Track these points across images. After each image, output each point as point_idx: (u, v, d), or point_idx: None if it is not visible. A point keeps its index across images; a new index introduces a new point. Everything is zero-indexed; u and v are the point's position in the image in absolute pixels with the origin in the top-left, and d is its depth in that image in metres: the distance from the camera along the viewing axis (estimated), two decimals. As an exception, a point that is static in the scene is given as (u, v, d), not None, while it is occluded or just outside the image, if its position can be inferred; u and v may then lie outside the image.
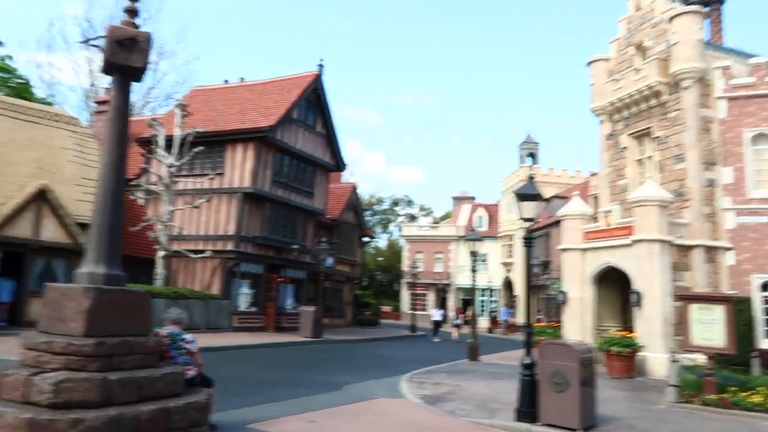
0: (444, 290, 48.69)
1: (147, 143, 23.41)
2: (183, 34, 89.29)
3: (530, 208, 9.21)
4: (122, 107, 6.31)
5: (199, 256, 20.46)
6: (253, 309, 22.94)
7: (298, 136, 23.71)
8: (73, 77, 62.70)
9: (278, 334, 22.14)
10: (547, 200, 31.54)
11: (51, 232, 17.49)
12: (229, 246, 21.54)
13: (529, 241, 9.28)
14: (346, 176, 36.51)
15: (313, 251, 25.26)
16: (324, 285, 28.12)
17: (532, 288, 24.50)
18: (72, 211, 17.87)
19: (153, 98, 39.46)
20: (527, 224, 9.17)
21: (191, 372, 6.52)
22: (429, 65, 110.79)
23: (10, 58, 41.06)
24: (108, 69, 6.31)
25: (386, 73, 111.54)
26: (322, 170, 25.69)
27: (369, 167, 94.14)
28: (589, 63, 20.92)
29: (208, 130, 21.38)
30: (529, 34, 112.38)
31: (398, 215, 68.22)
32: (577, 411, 7.84)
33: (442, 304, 46.28)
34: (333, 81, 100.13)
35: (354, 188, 30.75)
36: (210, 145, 21.64)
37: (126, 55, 6.19)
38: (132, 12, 6.38)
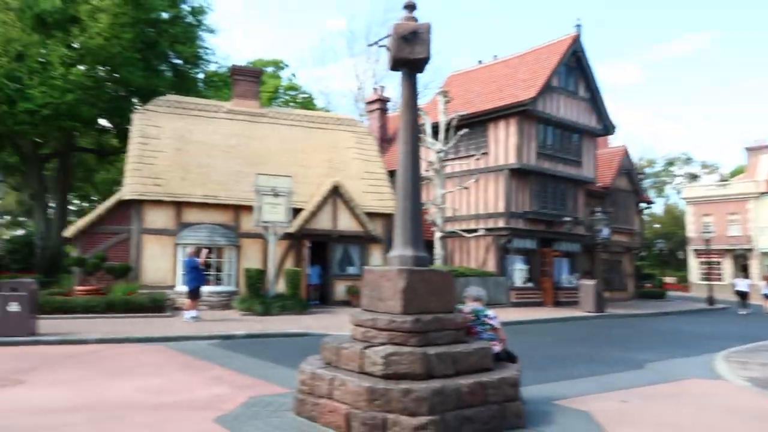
0: (744, 256, 41.99)
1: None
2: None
3: None
4: (411, 99, 6.66)
5: (473, 234, 21.10)
6: (529, 284, 22.82)
7: (559, 104, 22.72)
8: (342, 84, 70.51)
9: (557, 309, 21.67)
10: None
11: (345, 222, 19.85)
12: (500, 223, 21.75)
13: None
14: (612, 140, 33.81)
15: (585, 222, 24.04)
16: (600, 257, 26.59)
17: None
18: (360, 203, 20.00)
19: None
20: None
21: (497, 347, 6.65)
22: (690, 3, 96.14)
23: (294, 76, 47.73)
24: (394, 65, 6.72)
25: (643, 21, 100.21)
26: (588, 136, 24.22)
27: (632, 127, 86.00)
28: None
29: (469, 112, 21.82)
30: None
31: (675, 176, 60.95)
32: None
33: (743, 271, 39.98)
34: (588, 40, 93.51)
35: (625, 152, 28.33)
36: (472, 126, 22.09)
37: (410, 49, 6.52)
38: (410, 6, 6.69)
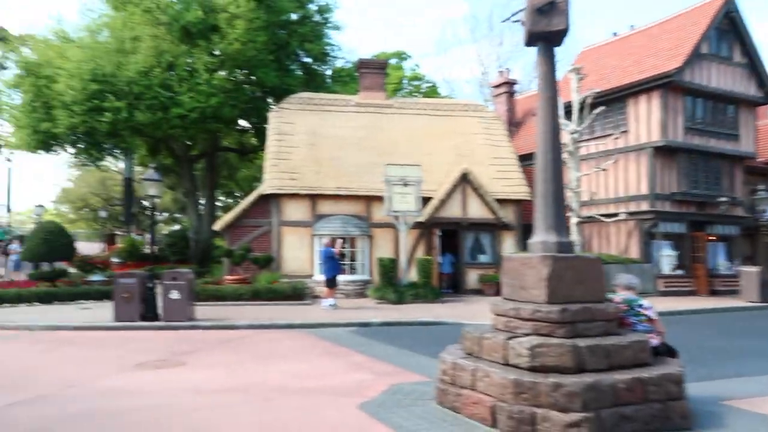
0: None
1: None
2: None
3: None
4: (549, 74, 6.26)
5: (613, 219, 19.77)
6: (679, 272, 20.95)
7: (710, 72, 20.49)
8: (465, 71, 69.44)
9: (713, 298, 19.69)
10: None
11: (475, 209, 19.49)
12: (644, 206, 20.16)
13: None
14: None
15: (745, 202, 21.56)
16: (764, 240, 23.77)
17: None
18: (489, 190, 19.53)
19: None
20: None
21: (654, 340, 6.09)
22: None
23: (417, 66, 47.82)
24: (530, 39, 6.35)
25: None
26: (746, 106, 21.61)
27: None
28: None
29: (605, 89, 20.41)
30: None
31: None
32: None
33: None
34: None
35: (793, 121, 24.95)
36: (608, 104, 20.65)
37: (546, 21, 6.11)
38: (546, -24, 6.26)
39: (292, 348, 10.26)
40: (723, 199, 20.74)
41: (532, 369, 5.27)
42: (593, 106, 19.39)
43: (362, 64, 22.32)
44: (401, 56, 46.49)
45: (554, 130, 6.16)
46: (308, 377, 7.83)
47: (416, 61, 66.77)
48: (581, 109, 19.04)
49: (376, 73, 22.22)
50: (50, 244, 17.38)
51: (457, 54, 61.53)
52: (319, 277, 18.53)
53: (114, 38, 21.66)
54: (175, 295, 12.48)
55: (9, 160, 41.86)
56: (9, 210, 51.70)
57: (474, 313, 14.71)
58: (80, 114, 20.24)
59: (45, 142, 22.89)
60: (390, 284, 17.23)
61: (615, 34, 25.11)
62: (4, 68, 35.81)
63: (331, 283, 15.75)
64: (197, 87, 20.70)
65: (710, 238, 21.51)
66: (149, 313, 12.53)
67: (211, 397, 6.77)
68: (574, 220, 19.36)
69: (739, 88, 21.10)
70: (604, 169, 19.60)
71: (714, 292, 20.88)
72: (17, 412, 6.22)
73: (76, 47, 21.53)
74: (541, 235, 6.02)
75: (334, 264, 15.87)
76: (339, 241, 16.95)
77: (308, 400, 6.61)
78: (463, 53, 63.63)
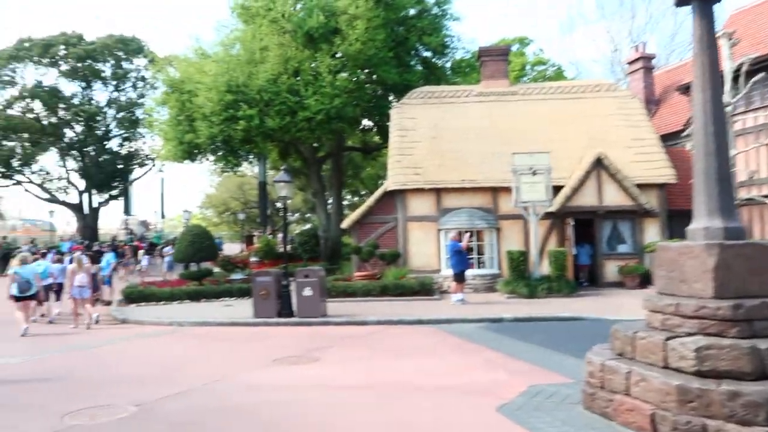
0: None
1: (689, 89, 21.65)
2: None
3: None
4: (707, 36, 5.42)
5: (778, 201, 17.38)
6: None
7: None
8: (593, 52, 65.45)
9: None
10: None
11: (612, 196, 18.09)
12: (816, 184, 17.53)
13: None
14: None
15: None
16: None
17: None
18: (628, 174, 18.03)
19: (677, 45, 36.89)
20: None
21: None
22: None
23: (541, 51, 45.82)
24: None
25: None
26: None
27: None
28: None
29: (763, 54, 17.98)
30: None
31: None
32: None
33: None
34: None
35: None
36: (767, 70, 18.17)
37: (701, -27, 5.31)
38: None
39: (422, 344, 10.06)
40: None
41: (699, 374, 4.56)
42: (749, 74, 17.14)
43: (482, 53, 21.63)
44: (523, 41, 44.81)
45: (715, 99, 5.33)
46: (440, 374, 7.57)
47: (540, 46, 64.15)
48: (735, 78, 16.91)
49: (497, 60, 21.43)
50: (196, 245, 18.74)
51: (584, 34, 58.18)
52: (447, 271, 18.24)
53: (245, 50, 22.90)
54: (308, 292, 12.81)
55: (161, 170, 46.45)
56: (163, 216, 57.28)
57: (616, 307, 13.62)
58: (218, 124, 21.64)
59: (189, 152, 24.80)
60: (521, 278, 16.49)
61: (771, -9, 22.07)
62: (155, 88, 39.72)
63: (459, 277, 15.40)
64: (321, 90, 21.27)
65: None
66: (285, 310, 12.98)
67: (343, 395, 6.73)
68: (729, 204, 17.29)
69: None
70: (766, 144, 17.27)
71: None
72: (170, 405, 6.58)
73: (212, 62, 23.07)
74: (703, 220, 5.23)
75: (461, 258, 15.50)
76: (466, 235, 16.54)
77: (442, 400, 6.34)
78: (590, 32, 60.09)
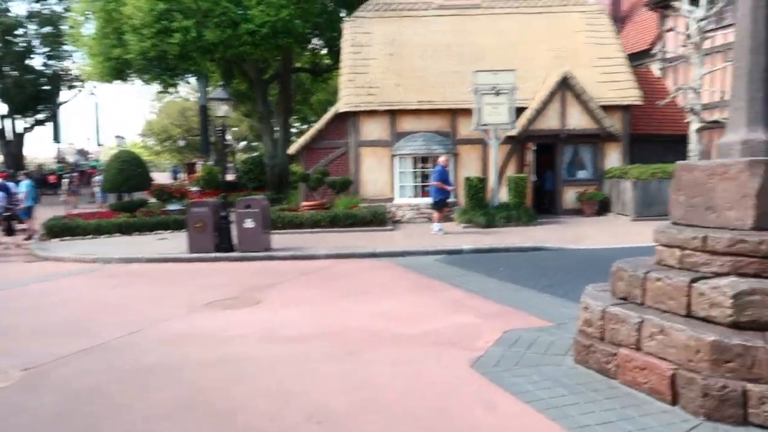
0: None
1: (659, 4, 20.50)
2: None
3: None
4: None
5: (744, 124, 16.77)
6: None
7: None
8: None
9: None
10: None
11: (576, 119, 17.10)
12: (782, 107, 16.97)
13: None
14: None
15: None
16: None
17: None
18: (593, 95, 17.00)
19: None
20: None
21: None
22: None
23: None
24: None
25: None
26: None
27: None
28: None
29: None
30: None
31: None
32: None
33: None
34: None
35: None
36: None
37: None
38: None
39: (378, 281, 8.99)
40: None
41: (737, 325, 3.58)
42: (723, -13, 16.05)
43: (444, -40, 19.70)
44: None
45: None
46: (400, 319, 6.51)
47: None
48: (710, -8, 15.81)
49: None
50: (125, 174, 16.87)
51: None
52: (401, 200, 17.18)
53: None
54: (249, 223, 11.46)
55: (93, 93, 42.79)
56: (99, 144, 53.58)
57: (577, 237, 12.92)
58: (150, 37, 19.22)
59: (118, 69, 22.28)
60: (479, 206, 15.52)
61: None
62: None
63: (439, 205, 14.42)
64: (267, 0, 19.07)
65: None
66: (224, 244, 11.63)
67: (289, 348, 5.58)
68: (694, 127, 16.62)
69: None
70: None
71: None
72: (68, 367, 5.29)
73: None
74: (742, 131, 4.14)
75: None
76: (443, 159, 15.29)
77: (405, 353, 5.28)
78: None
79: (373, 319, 6.51)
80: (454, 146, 17.34)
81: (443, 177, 14.34)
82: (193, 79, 30.18)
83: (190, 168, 35.98)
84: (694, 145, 16.80)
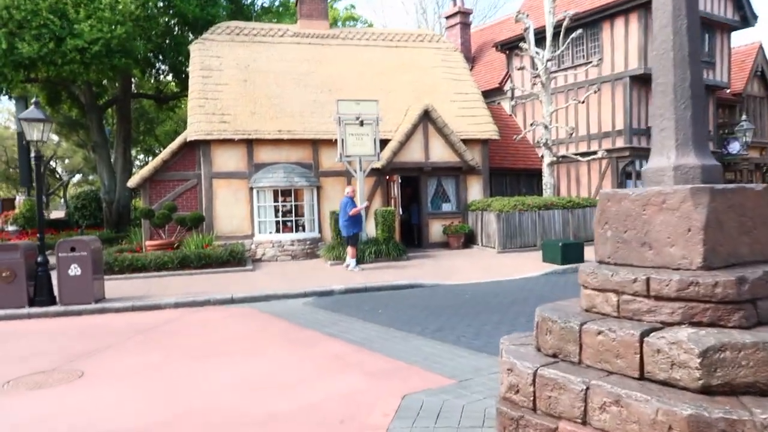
0: None
1: (506, 46, 21.55)
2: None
3: None
4: None
5: (592, 158, 17.85)
6: (651, 214, 19.49)
7: (691, -9, 18.52)
8: (404, 14, 65.75)
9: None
10: None
11: (439, 152, 17.05)
12: (620, 142, 18.35)
13: None
14: (743, 35, 28.65)
15: (713, 137, 20.19)
16: (726, 177, 22.78)
17: None
18: (454, 129, 17.09)
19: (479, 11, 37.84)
20: None
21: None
22: None
23: (353, 7, 44.15)
24: None
25: None
26: (722, 31, 19.92)
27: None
28: None
29: (580, 11, 18.13)
30: None
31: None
32: None
33: None
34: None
35: (760, 48, 23.59)
36: (580, 29, 18.44)
37: None
38: None
39: (240, 333, 7.61)
40: (699, 133, 19.21)
41: (708, 390, 2.91)
42: (567, 31, 17.12)
43: (298, -13, 19.01)
44: (334, -6, 42.65)
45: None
46: (272, 388, 5.26)
47: (351, 2, 62.30)
48: (555, 35, 16.73)
49: (316, -3, 19.01)
50: None
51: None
52: (261, 237, 15.76)
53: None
54: (75, 270, 9.43)
55: None
56: None
57: (450, 271, 12.55)
58: (-51, 48, 16.06)
59: None
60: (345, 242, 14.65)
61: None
62: None
63: (353, 240, 13.25)
64: (98, 13, 16.87)
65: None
66: (41, 296, 9.45)
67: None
68: (547, 161, 17.33)
69: (717, 9, 19.34)
70: (582, 102, 17.49)
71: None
72: None
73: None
74: (672, 155, 3.60)
75: (355, 218, 13.27)
76: (349, 189, 14.14)
77: (282, 442, 4.06)
78: (399, -4, 59.84)
79: (237, 392, 5.18)
80: (317, 178, 16.39)
81: (353, 207, 13.27)
82: (12, 103, 26.29)
83: (7, 204, 31.05)
84: (547, 178, 17.49)
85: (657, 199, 3.43)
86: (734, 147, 21.65)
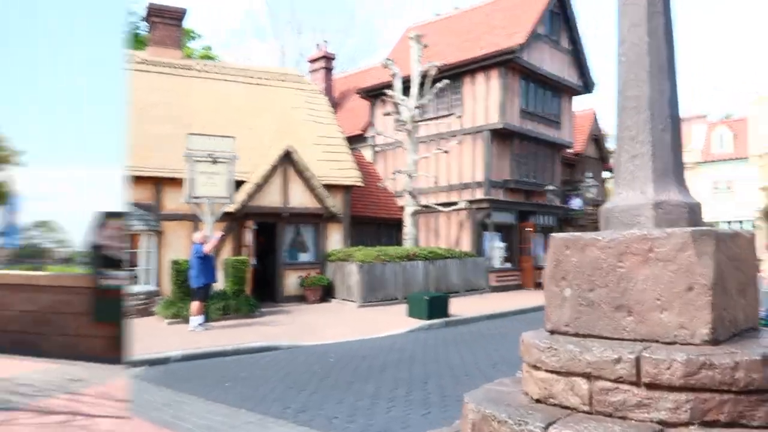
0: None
1: (370, 93, 21.21)
2: None
3: None
4: None
5: (452, 208, 17.71)
6: (507, 265, 19.83)
7: (544, 55, 19.57)
8: (267, 60, 64.76)
9: (539, 291, 18.87)
10: None
11: (298, 197, 15.83)
12: (479, 194, 18.50)
13: None
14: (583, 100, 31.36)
15: (559, 192, 21.35)
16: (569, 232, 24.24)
17: None
18: (316, 173, 16.02)
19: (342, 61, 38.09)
20: None
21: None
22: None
23: (210, 48, 42.31)
24: None
25: None
26: (568, 94, 21.36)
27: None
28: None
29: (445, 63, 18.27)
30: None
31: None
32: None
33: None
34: None
35: (595, 116, 25.93)
36: (445, 80, 18.64)
37: None
38: None
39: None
40: (550, 187, 20.11)
41: None
42: (434, 81, 17.11)
43: (153, 11, 17.11)
44: (190, 35, 40.46)
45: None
46: None
47: (209, 44, 59.95)
48: (422, 84, 16.59)
49: (170, 24, 17.22)
50: None
51: (257, 47, 56.52)
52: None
53: None
54: None
55: None
56: None
57: (308, 330, 11.21)
58: None
59: None
60: (188, 296, 12.52)
61: (438, 14, 23.48)
62: None
63: (202, 294, 11.14)
64: None
65: (532, 228, 20.75)
66: None
67: None
68: (409, 210, 16.85)
69: (565, 75, 20.71)
70: (446, 151, 17.39)
71: (539, 285, 20.18)
72: None
73: None
74: (650, 189, 2.74)
75: (206, 266, 11.17)
76: (212, 235, 12.03)
77: None
78: (263, 47, 58.79)
79: None
80: (158, 222, 14.23)
81: (199, 256, 11.19)
82: None
83: None
84: (409, 228, 16.99)
85: (640, 245, 2.49)
86: (576, 203, 23.06)
